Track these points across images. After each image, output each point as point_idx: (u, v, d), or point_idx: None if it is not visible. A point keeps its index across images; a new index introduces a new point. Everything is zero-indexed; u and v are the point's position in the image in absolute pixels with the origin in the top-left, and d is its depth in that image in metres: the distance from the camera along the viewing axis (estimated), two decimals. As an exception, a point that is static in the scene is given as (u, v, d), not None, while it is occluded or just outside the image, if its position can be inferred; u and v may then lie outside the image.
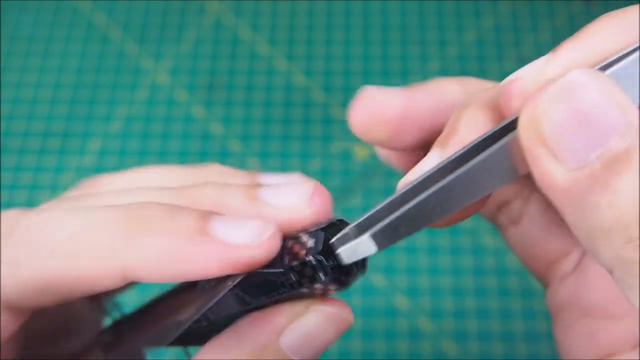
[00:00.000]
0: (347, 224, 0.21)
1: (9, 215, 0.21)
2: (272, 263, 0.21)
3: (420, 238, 0.57)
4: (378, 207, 0.20)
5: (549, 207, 0.25)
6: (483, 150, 0.19)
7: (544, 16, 0.66)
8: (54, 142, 0.62)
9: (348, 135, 0.62)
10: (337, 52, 0.65)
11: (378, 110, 0.22)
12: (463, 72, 0.64)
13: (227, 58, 0.65)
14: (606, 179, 0.16)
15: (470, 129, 0.20)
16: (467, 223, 0.57)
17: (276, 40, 0.66)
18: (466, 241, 0.57)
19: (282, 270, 0.20)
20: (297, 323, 0.21)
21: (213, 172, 0.24)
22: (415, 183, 0.20)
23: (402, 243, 0.57)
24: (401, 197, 0.20)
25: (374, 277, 0.56)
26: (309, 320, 0.21)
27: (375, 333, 0.54)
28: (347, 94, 0.64)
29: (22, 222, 0.21)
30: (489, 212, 0.27)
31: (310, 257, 0.20)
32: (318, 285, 0.21)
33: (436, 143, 0.21)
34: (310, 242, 0.20)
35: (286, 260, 0.21)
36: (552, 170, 0.17)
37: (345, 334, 0.56)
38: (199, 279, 0.20)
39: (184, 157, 0.61)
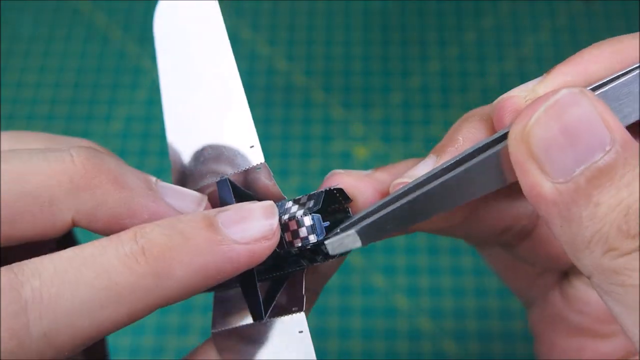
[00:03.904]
0: (338, 192, 0.23)
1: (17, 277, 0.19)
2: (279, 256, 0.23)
3: (420, 238, 0.57)
4: (371, 207, 0.21)
5: (516, 247, 0.26)
6: (471, 159, 0.20)
7: (544, 16, 0.66)
8: (54, 142, 0.62)
9: (348, 135, 0.62)
10: (337, 52, 0.65)
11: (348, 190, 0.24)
12: (463, 72, 0.64)
13: (227, 58, 0.65)
14: (589, 192, 0.17)
15: (467, 139, 0.22)
16: (467, 223, 0.58)
17: (276, 40, 0.66)
18: (466, 241, 0.57)
19: (296, 252, 0.23)
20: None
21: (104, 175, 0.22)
22: (408, 187, 0.21)
23: (402, 243, 0.57)
24: (392, 199, 0.21)
25: (374, 277, 0.56)
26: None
27: (375, 333, 0.54)
28: (347, 93, 0.64)
29: (38, 282, 0.19)
30: (466, 240, 0.28)
31: (321, 242, 0.22)
32: (321, 258, 0.23)
33: (433, 150, 0.22)
34: (308, 222, 0.22)
35: (287, 237, 0.22)
36: (539, 183, 0.18)
37: (345, 334, 0.56)
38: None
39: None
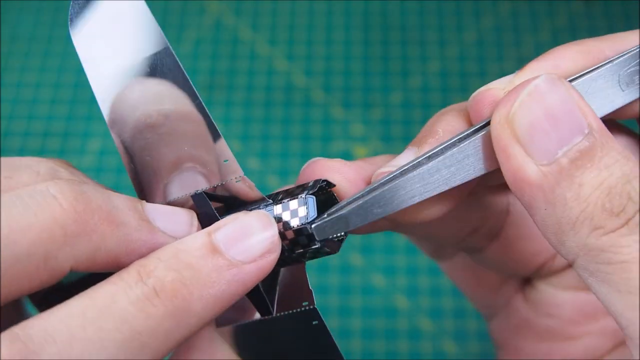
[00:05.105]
0: (329, 185, 0.23)
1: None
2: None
3: (420, 238, 0.57)
4: (356, 195, 0.22)
5: (483, 251, 0.26)
6: (450, 148, 0.20)
7: (544, 16, 0.66)
8: (54, 142, 0.62)
9: (348, 135, 0.62)
10: (337, 52, 0.65)
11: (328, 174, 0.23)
12: (463, 72, 0.64)
13: (227, 58, 0.65)
14: (572, 173, 0.18)
15: (446, 131, 0.22)
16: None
17: (276, 40, 0.66)
18: (466, 241, 0.57)
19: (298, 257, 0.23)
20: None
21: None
22: (393, 175, 0.21)
23: (402, 243, 0.57)
24: (377, 186, 0.21)
25: (374, 277, 0.56)
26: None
27: (375, 333, 0.54)
28: (347, 94, 0.64)
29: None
30: (427, 251, 0.29)
31: (318, 244, 0.22)
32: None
33: (412, 142, 0.22)
34: (308, 232, 0.22)
35: (286, 245, 0.22)
36: (523, 166, 0.18)
37: (345, 334, 0.56)
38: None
39: (184, 157, 0.61)
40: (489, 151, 0.20)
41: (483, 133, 0.20)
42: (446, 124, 0.22)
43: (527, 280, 0.27)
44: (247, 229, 0.21)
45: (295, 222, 0.22)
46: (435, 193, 0.20)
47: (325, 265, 0.56)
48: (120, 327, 0.18)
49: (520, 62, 0.67)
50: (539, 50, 0.64)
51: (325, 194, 0.23)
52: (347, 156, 0.60)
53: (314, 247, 0.22)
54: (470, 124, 0.22)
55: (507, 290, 0.28)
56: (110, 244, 0.20)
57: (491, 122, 0.19)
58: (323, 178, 0.23)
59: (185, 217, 0.22)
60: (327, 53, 0.65)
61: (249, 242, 0.20)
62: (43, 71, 0.65)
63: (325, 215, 0.22)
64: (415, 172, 0.21)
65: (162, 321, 0.18)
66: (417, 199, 0.21)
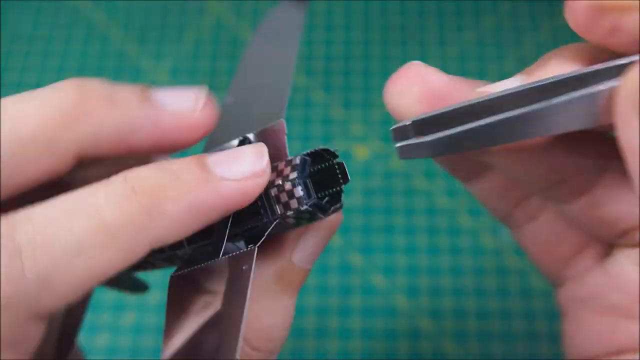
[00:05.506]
0: (331, 153, 0.24)
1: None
2: (255, 206, 0.23)
3: (420, 238, 0.57)
4: (442, 110, 0.20)
5: (568, 204, 0.26)
6: (566, 88, 0.19)
7: (544, 16, 0.66)
8: (54, 142, 0.62)
9: (348, 135, 0.62)
10: (337, 52, 0.65)
11: (422, 82, 0.22)
12: (463, 72, 0.64)
13: (227, 58, 0.65)
14: None
15: (561, 67, 0.21)
16: (467, 223, 0.58)
17: (276, 40, 0.66)
18: (466, 241, 0.57)
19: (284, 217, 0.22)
20: (302, 241, 0.24)
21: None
22: (488, 99, 0.20)
23: (402, 243, 0.57)
24: (469, 108, 0.20)
25: (374, 277, 0.56)
26: (312, 237, 0.24)
27: (375, 333, 0.54)
28: (347, 94, 0.64)
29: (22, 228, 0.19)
30: (505, 209, 0.28)
31: (305, 207, 0.22)
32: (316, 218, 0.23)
33: (521, 72, 0.22)
34: (298, 191, 0.22)
35: (274, 203, 0.22)
36: (637, 138, 0.18)
37: (345, 334, 0.56)
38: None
39: (184, 157, 0.61)
40: (607, 105, 0.19)
41: (604, 86, 0.19)
42: (560, 59, 0.21)
43: (608, 250, 0.27)
44: (240, 154, 0.22)
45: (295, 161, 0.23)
46: (545, 135, 0.19)
47: (325, 265, 0.56)
48: (90, 217, 0.19)
49: (520, 62, 0.67)
50: (539, 50, 0.64)
51: (333, 185, 0.24)
52: (347, 156, 0.60)
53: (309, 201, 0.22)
54: (588, 65, 0.21)
55: (586, 259, 0.27)
56: (110, 123, 0.22)
57: (622, 84, 0.18)
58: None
59: (190, 93, 0.23)
60: (327, 53, 0.65)
61: (237, 163, 0.21)
62: (43, 71, 0.65)
63: (407, 128, 0.20)
64: (529, 109, 0.19)
65: (133, 216, 0.20)
66: (511, 140, 0.19)
